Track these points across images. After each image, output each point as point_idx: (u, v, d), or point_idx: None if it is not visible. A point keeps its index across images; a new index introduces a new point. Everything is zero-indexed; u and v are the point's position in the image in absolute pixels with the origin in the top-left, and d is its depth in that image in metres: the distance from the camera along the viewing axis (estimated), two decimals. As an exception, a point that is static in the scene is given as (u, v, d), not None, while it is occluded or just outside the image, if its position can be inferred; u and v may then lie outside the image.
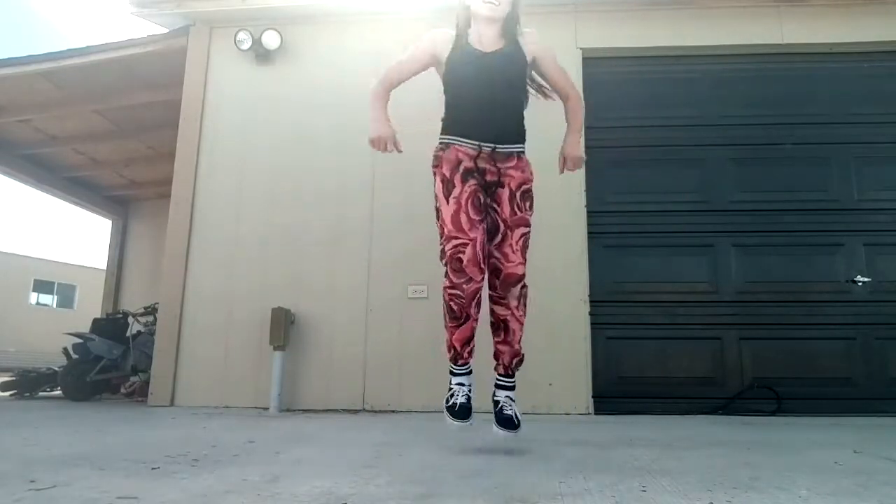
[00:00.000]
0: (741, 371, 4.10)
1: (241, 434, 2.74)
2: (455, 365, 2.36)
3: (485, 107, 2.26)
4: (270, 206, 4.48)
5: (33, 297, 20.32)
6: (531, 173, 2.35)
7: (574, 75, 4.43)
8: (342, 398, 4.09)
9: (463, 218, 2.21)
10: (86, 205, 8.93)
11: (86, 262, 21.19)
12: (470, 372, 2.38)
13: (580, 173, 4.31)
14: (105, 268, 9.56)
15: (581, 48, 4.52)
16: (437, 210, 2.29)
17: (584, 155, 2.49)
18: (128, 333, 5.56)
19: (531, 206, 2.34)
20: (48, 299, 20.75)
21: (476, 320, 2.32)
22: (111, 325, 5.72)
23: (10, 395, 5.74)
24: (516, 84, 2.34)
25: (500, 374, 2.38)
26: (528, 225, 2.31)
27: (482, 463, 2.02)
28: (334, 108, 4.56)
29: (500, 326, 2.34)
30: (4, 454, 2.17)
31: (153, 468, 1.84)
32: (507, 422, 2.25)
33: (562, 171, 2.52)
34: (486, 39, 2.34)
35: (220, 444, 2.38)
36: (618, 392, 4.09)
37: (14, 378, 5.96)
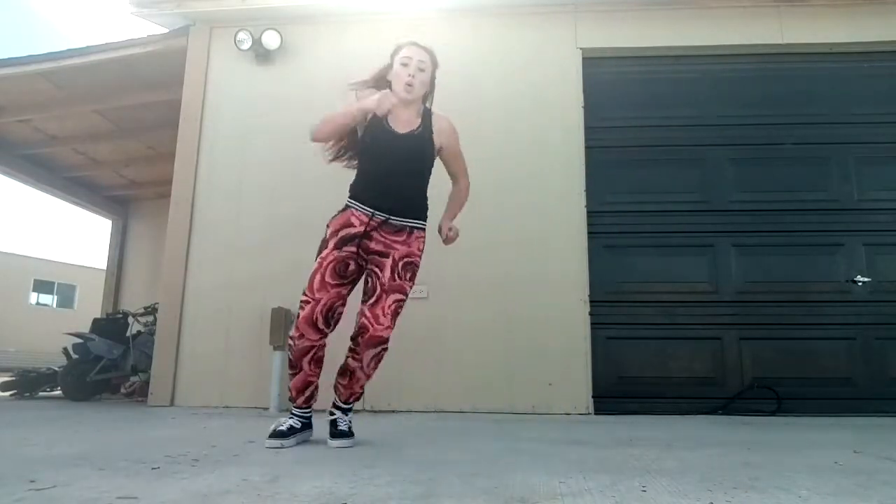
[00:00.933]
0: (741, 371, 4.10)
1: (241, 434, 2.74)
2: (293, 406, 2.52)
3: (386, 182, 2.43)
4: (270, 206, 4.48)
5: (33, 297, 20.33)
6: (419, 250, 2.49)
7: (574, 75, 4.47)
8: (342, 398, 4.09)
9: (317, 278, 2.38)
10: (86, 205, 8.93)
11: (86, 262, 21.21)
12: (304, 422, 2.50)
13: (580, 173, 4.32)
14: (105, 268, 9.56)
15: (581, 48, 4.53)
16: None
17: (455, 234, 2.62)
18: (128, 333, 5.56)
19: (412, 279, 2.47)
20: (48, 299, 20.76)
21: (311, 375, 2.46)
22: (111, 325, 5.72)
23: (10, 395, 5.74)
24: (420, 167, 2.52)
25: (340, 402, 2.54)
26: (403, 293, 2.44)
27: (482, 463, 2.02)
28: (334, 108, 4.56)
29: (346, 373, 2.47)
30: (4, 454, 2.17)
31: (153, 468, 1.84)
32: (342, 434, 2.43)
33: (444, 241, 2.64)
34: (400, 119, 2.50)
35: (220, 444, 2.38)
36: (618, 392, 4.09)
37: (14, 378, 5.96)
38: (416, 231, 2.48)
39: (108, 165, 7.98)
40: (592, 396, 4.01)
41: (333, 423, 2.48)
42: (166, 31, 4.89)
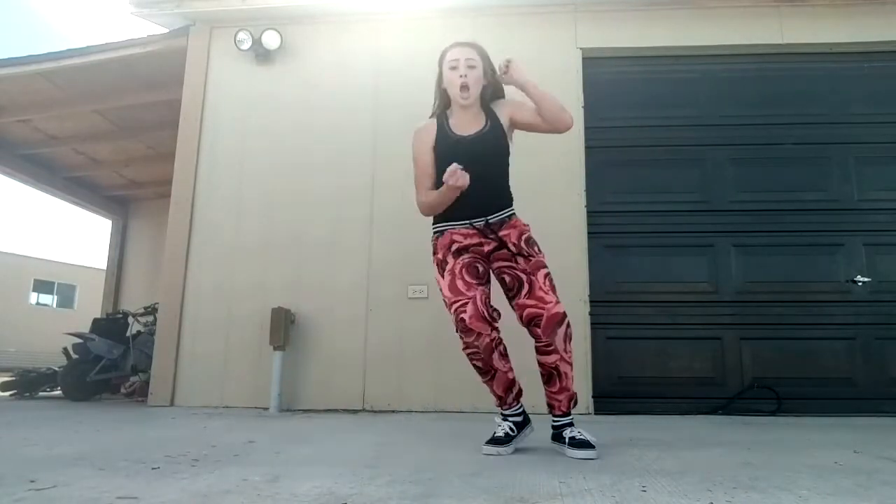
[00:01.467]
0: (741, 371, 4.10)
1: (241, 434, 2.74)
2: (502, 409, 2.46)
3: (473, 191, 2.29)
4: (270, 206, 4.48)
5: (33, 297, 20.32)
6: (525, 224, 2.46)
7: (574, 75, 4.47)
8: (342, 398, 4.09)
9: (459, 283, 2.30)
10: (86, 205, 8.93)
11: (86, 262, 21.21)
12: (520, 423, 2.43)
13: (580, 173, 4.32)
14: (105, 268, 9.56)
15: (581, 48, 4.53)
16: (441, 293, 2.39)
17: (516, 68, 2.46)
18: (128, 333, 5.56)
19: (539, 249, 2.41)
20: (48, 299, 20.76)
21: (507, 371, 2.40)
22: (111, 325, 5.72)
23: (10, 395, 5.74)
24: (498, 160, 2.45)
25: (557, 416, 2.39)
26: (544, 266, 2.36)
27: (482, 463, 2.02)
28: (334, 108, 4.57)
29: (552, 375, 2.36)
30: (4, 454, 2.17)
31: (153, 468, 1.85)
32: (584, 444, 2.22)
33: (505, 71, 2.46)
34: (464, 123, 2.44)
35: (220, 444, 2.38)
36: (618, 392, 4.09)
37: (14, 378, 5.96)
38: (513, 217, 2.45)
39: (108, 165, 7.98)
40: (592, 396, 4.01)
41: (572, 442, 2.25)
42: (166, 31, 4.89)
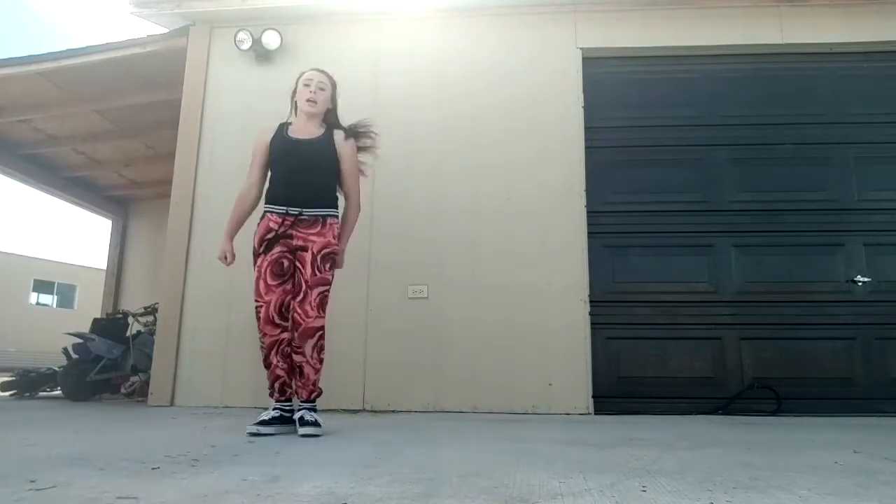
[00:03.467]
0: (741, 371, 4.10)
1: (241, 434, 2.74)
2: (274, 402, 2.84)
3: (293, 181, 2.80)
4: (270, 206, 4.47)
5: (33, 297, 20.32)
6: (335, 237, 2.83)
7: (574, 75, 4.47)
8: (342, 398, 4.09)
9: (261, 284, 2.76)
10: (86, 205, 8.93)
11: (86, 262, 21.21)
12: (285, 415, 2.79)
13: (580, 173, 4.32)
14: (105, 268, 9.56)
15: (581, 48, 4.53)
16: None
17: (342, 260, 2.98)
18: (128, 333, 5.56)
19: (331, 267, 2.82)
20: (48, 299, 20.75)
21: (278, 369, 2.79)
22: (111, 325, 5.72)
23: (10, 395, 5.74)
24: (324, 165, 2.88)
25: (301, 402, 2.81)
26: (326, 283, 2.78)
27: (482, 463, 2.02)
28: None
29: (297, 371, 2.78)
30: (4, 454, 2.17)
31: (153, 468, 1.85)
32: (310, 423, 2.67)
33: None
34: (301, 130, 2.92)
35: (220, 444, 2.38)
36: (618, 392, 4.09)
37: (14, 378, 5.95)
38: (329, 219, 2.81)
39: (108, 165, 7.98)
40: (592, 396, 4.01)
41: (300, 421, 2.71)
42: (166, 31, 4.88)
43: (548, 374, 4.02)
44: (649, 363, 4.14)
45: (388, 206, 4.36)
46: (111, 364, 5.32)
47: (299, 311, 2.69)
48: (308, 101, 2.87)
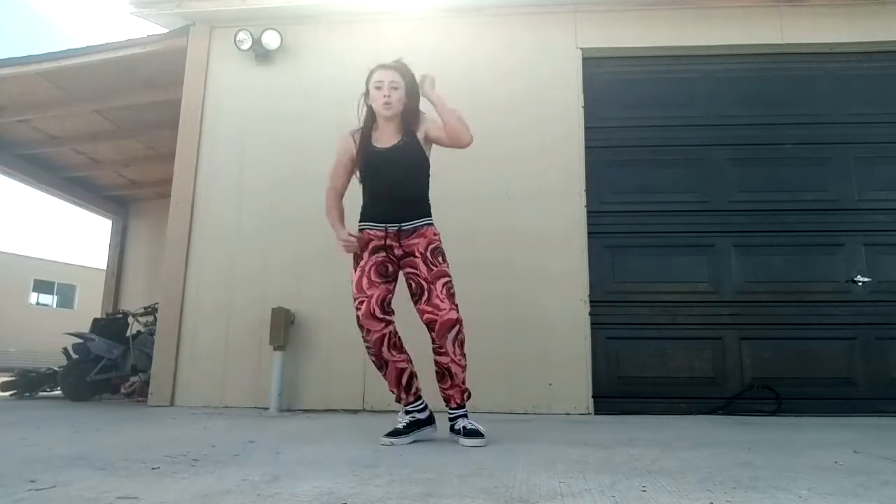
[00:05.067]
0: (741, 371, 4.10)
1: (241, 434, 2.74)
2: (404, 406, 2.66)
3: (388, 197, 2.66)
4: (270, 206, 4.48)
5: (33, 297, 20.34)
6: (434, 234, 2.67)
7: (574, 75, 4.47)
8: (342, 398, 4.09)
9: (364, 281, 2.57)
10: (86, 205, 8.93)
11: (86, 262, 21.22)
12: (420, 418, 2.65)
13: (580, 173, 4.32)
14: (105, 268, 9.56)
15: (581, 48, 4.53)
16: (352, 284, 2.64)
17: (431, 82, 2.76)
18: (128, 333, 5.56)
19: (444, 259, 2.62)
20: (48, 299, 20.77)
21: (398, 361, 2.60)
22: (111, 325, 5.72)
23: (10, 395, 5.74)
24: (415, 172, 2.70)
25: (452, 409, 2.63)
26: (446, 275, 2.59)
27: (482, 463, 2.02)
28: (335, 108, 4.55)
29: (444, 374, 2.58)
30: (4, 454, 2.17)
31: (153, 468, 1.84)
32: (474, 433, 2.50)
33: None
34: (384, 136, 2.71)
35: (220, 444, 2.38)
36: (618, 392, 4.09)
37: (14, 378, 5.95)
38: (425, 227, 2.65)
39: (108, 165, 7.98)
40: (592, 396, 4.01)
41: (463, 430, 2.54)
42: (166, 31, 4.88)
43: (548, 374, 4.02)
44: (649, 363, 4.14)
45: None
46: (111, 364, 5.32)
47: (429, 308, 2.50)
48: (385, 104, 2.65)
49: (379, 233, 2.63)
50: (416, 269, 2.57)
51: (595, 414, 3.96)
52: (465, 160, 4.38)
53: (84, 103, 6.06)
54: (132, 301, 7.82)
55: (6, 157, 7.17)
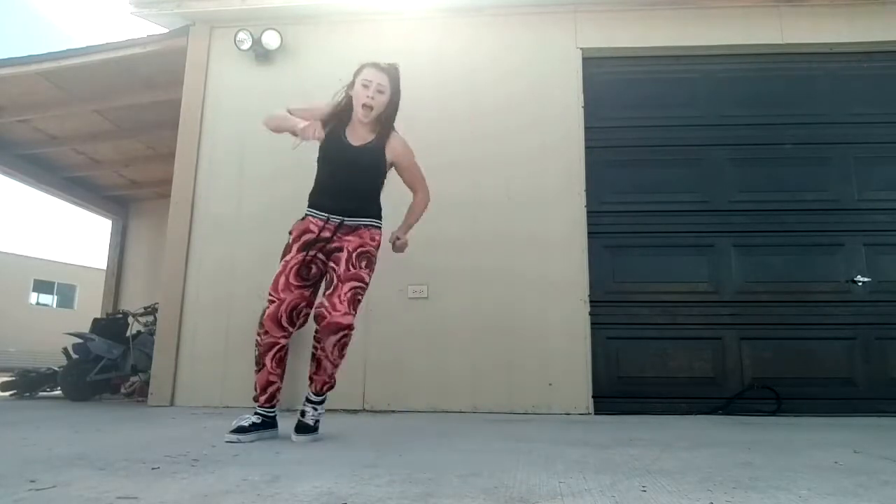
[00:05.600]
0: (741, 371, 4.10)
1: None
2: (257, 406, 2.63)
3: (341, 188, 2.66)
4: (270, 205, 4.47)
5: (33, 297, 20.34)
6: (372, 240, 2.67)
7: (574, 75, 4.47)
8: (342, 398, 4.08)
9: (281, 280, 2.57)
10: (86, 205, 8.93)
11: (86, 262, 21.22)
12: (267, 420, 2.61)
13: (580, 173, 4.32)
14: (105, 268, 9.56)
15: (581, 48, 4.53)
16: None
17: (407, 243, 2.82)
18: (128, 333, 5.56)
19: (367, 266, 2.63)
20: (48, 299, 20.77)
21: (272, 373, 2.60)
22: (111, 325, 5.72)
23: (10, 395, 5.74)
24: (371, 173, 2.72)
25: (311, 392, 2.66)
26: (361, 280, 2.58)
27: (482, 463, 2.02)
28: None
29: (318, 364, 2.61)
30: (4, 454, 2.17)
31: (153, 468, 1.84)
32: (306, 428, 2.58)
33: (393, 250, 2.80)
34: (356, 133, 2.71)
35: (220, 444, 2.38)
36: (618, 392, 4.09)
37: (14, 378, 5.95)
38: (369, 229, 2.67)
39: (108, 165, 7.98)
40: (592, 396, 4.01)
41: (301, 415, 2.62)
42: (166, 31, 4.88)
43: (548, 374, 4.02)
44: (649, 363, 4.14)
45: (388, 206, 4.35)
46: (111, 364, 5.32)
47: (326, 304, 2.47)
48: (364, 105, 2.64)
49: (319, 222, 2.63)
50: (338, 264, 2.56)
51: (595, 414, 3.96)
52: (465, 160, 4.41)
53: (84, 103, 6.06)
54: (132, 301, 7.81)
55: (6, 157, 7.17)
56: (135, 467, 1.85)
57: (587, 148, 4.38)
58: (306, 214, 2.69)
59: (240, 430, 2.50)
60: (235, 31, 4.58)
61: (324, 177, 2.73)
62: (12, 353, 16.57)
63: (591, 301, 4.15)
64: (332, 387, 2.68)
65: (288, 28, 4.63)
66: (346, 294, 2.50)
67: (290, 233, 2.69)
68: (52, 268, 20.77)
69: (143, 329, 5.55)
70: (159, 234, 5.96)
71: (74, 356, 5.52)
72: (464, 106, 4.48)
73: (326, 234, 2.61)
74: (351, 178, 2.66)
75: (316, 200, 2.70)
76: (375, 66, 2.70)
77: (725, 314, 4.19)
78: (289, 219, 4.41)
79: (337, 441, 2.60)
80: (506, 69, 4.51)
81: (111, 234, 9.56)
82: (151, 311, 5.50)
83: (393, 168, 2.82)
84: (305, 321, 2.63)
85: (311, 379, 2.65)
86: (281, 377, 2.64)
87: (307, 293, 2.62)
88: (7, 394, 5.78)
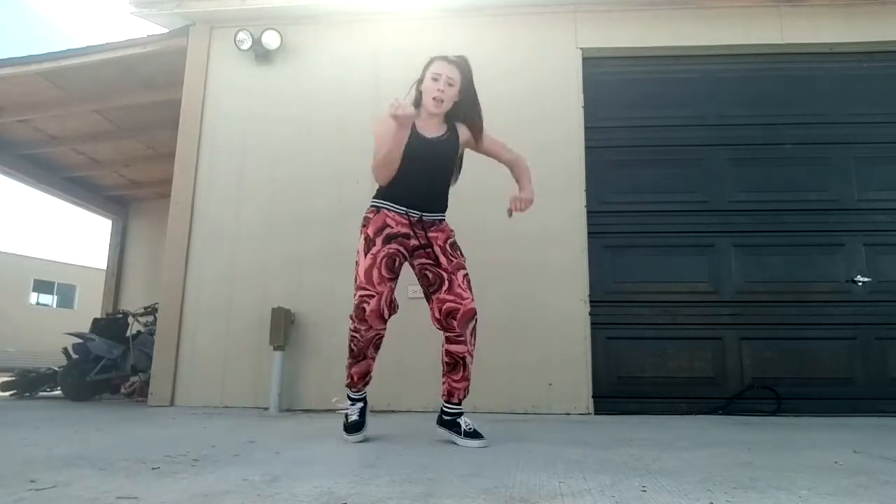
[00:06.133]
0: (741, 371, 4.10)
1: (241, 434, 2.74)
2: (351, 391, 2.71)
3: (421, 184, 2.61)
4: (270, 206, 4.48)
5: (33, 297, 20.33)
6: (451, 230, 2.70)
7: (574, 75, 4.47)
8: (342, 398, 4.08)
9: (375, 273, 2.52)
10: (86, 205, 8.93)
11: (86, 262, 21.22)
12: (363, 398, 2.73)
13: (580, 173, 4.32)
14: (105, 268, 9.56)
15: (581, 48, 4.52)
16: (356, 264, 2.59)
17: (533, 198, 2.72)
18: (128, 333, 5.56)
19: (461, 254, 2.65)
20: (48, 299, 20.77)
21: (372, 360, 2.69)
22: (111, 325, 5.72)
23: (10, 395, 5.74)
24: (448, 166, 2.70)
25: (452, 404, 2.61)
26: (464, 267, 2.62)
27: (482, 463, 2.02)
28: (335, 108, 4.57)
29: (457, 365, 2.57)
30: (4, 454, 2.17)
31: (153, 468, 1.85)
32: (476, 434, 2.52)
33: (510, 213, 2.71)
34: (429, 125, 2.67)
35: (220, 444, 2.38)
36: (618, 392, 4.09)
37: (14, 378, 5.96)
38: (443, 222, 2.69)
39: (108, 165, 7.98)
40: (592, 396, 4.01)
41: (466, 430, 2.53)
42: (166, 31, 4.88)
43: (548, 374, 4.02)
44: (649, 363, 4.14)
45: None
46: (111, 364, 5.32)
47: (450, 297, 2.50)
48: (435, 98, 2.60)
49: (399, 217, 2.58)
50: (433, 261, 2.57)
51: (595, 414, 3.96)
52: (465, 160, 4.39)
53: (84, 103, 6.06)
54: (132, 301, 7.82)
55: (6, 157, 7.17)
56: (135, 467, 1.85)
57: (587, 148, 4.38)
58: (380, 207, 2.60)
59: (356, 426, 2.59)
60: (235, 31, 4.58)
61: (405, 173, 2.61)
62: (12, 353, 16.56)
63: (591, 301, 4.15)
64: (468, 392, 2.65)
65: (288, 28, 4.63)
66: (464, 283, 2.55)
67: (365, 227, 2.61)
68: (52, 268, 20.77)
69: (143, 329, 5.55)
70: (159, 234, 5.96)
71: (74, 356, 5.53)
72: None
73: (404, 229, 2.57)
74: (431, 173, 2.63)
75: (393, 194, 2.60)
76: (444, 58, 2.66)
77: (725, 314, 4.19)
78: (289, 219, 4.46)
79: (337, 441, 2.60)
80: (506, 69, 4.50)
81: (111, 234, 9.57)
82: (151, 311, 5.50)
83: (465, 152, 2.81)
84: (396, 310, 2.65)
85: (452, 388, 2.59)
86: (376, 360, 2.71)
87: (394, 286, 2.61)
88: (7, 394, 5.78)
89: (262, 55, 4.63)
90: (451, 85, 2.63)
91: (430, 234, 2.60)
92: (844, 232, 4.25)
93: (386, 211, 2.58)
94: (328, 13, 4.69)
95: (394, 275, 2.59)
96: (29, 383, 5.88)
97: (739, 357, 4.13)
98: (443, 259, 2.56)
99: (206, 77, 4.70)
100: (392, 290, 2.58)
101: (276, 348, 4.06)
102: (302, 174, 4.50)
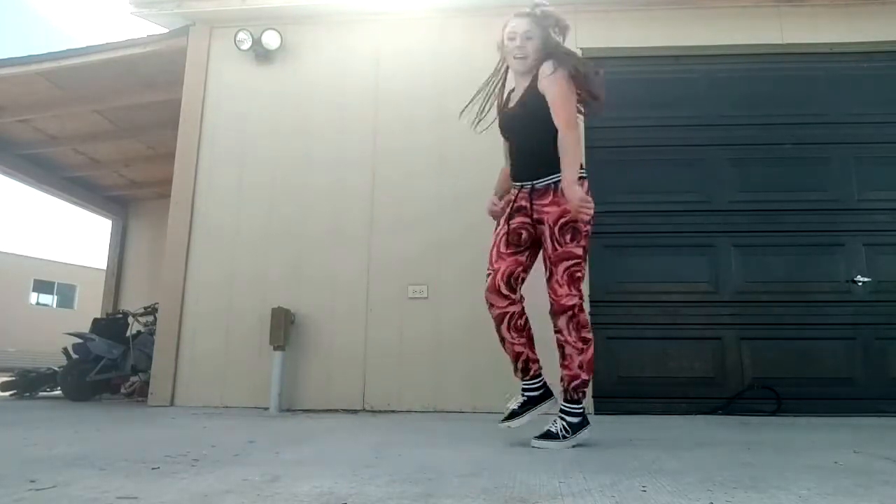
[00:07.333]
0: (741, 371, 4.10)
1: (241, 434, 2.74)
2: (522, 384, 2.57)
3: (518, 154, 2.62)
4: (270, 206, 4.48)
5: (33, 297, 20.35)
6: (566, 202, 2.35)
7: (574, 75, 4.46)
8: (342, 398, 4.09)
9: (494, 252, 2.55)
10: (86, 205, 8.94)
11: (86, 262, 21.22)
12: (533, 396, 2.53)
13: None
14: (105, 268, 9.56)
15: (581, 48, 4.51)
16: None
17: (579, 198, 2.27)
18: (128, 333, 5.56)
19: (574, 238, 2.41)
20: (48, 299, 20.78)
21: (515, 344, 2.51)
22: (111, 325, 5.72)
23: (10, 395, 5.74)
24: (538, 125, 2.49)
25: (561, 388, 2.51)
26: (572, 257, 2.42)
27: (482, 463, 2.02)
28: (335, 109, 4.57)
29: (561, 350, 2.49)
30: (4, 454, 2.17)
31: (153, 468, 1.84)
32: (547, 434, 2.41)
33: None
34: (519, 90, 2.62)
35: (220, 444, 2.38)
36: (618, 392, 4.09)
37: (14, 378, 5.96)
38: (555, 190, 2.44)
39: (108, 165, 7.98)
40: (592, 396, 4.01)
41: (554, 421, 2.46)
42: (166, 31, 4.89)
43: (547, 374, 4.00)
44: (649, 363, 4.14)
45: (388, 205, 4.37)
46: (111, 364, 5.32)
47: (549, 289, 2.46)
48: (516, 57, 2.53)
49: (515, 192, 2.59)
50: (544, 244, 2.47)
51: (595, 414, 3.95)
52: (465, 160, 4.40)
53: (84, 103, 6.06)
54: (132, 301, 7.81)
55: (6, 157, 7.17)
56: (135, 467, 1.85)
57: (587, 148, 4.35)
58: (513, 186, 2.65)
59: (511, 415, 2.50)
60: (235, 31, 4.58)
61: (507, 149, 2.73)
62: (12, 353, 16.57)
63: (591, 301, 4.14)
64: (582, 384, 2.45)
65: (288, 28, 4.63)
66: (562, 277, 2.42)
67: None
68: (52, 268, 20.79)
69: (143, 329, 5.55)
70: (159, 234, 5.97)
71: (74, 356, 5.53)
72: (463, 106, 4.47)
73: (522, 203, 2.53)
74: (521, 140, 2.58)
75: (511, 172, 2.67)
76: (516, 15, 2.57)
77: (725, 314, 4.19)
78: (289, 218, 4.46)
79: (337, 441, 2.60)
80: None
81: (111, 234, 9.57)
82: (151, 311, 5.50)
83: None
84: (522, 284, 2.57)
85: (561, 378, 2.50)
86: (527, 345, 2.52)
87: (522, 258, 2.54)
88: (7, 394, 5.79)
89: (262, 55, 4.63)
90: (529, 38, 2.52)
91: (544, 209, 2.45)
92: (844, 232, 4.25)
93: (513, 190, 2.62)
94: (328, 13, 4.69)
95: (516, 249, 2.53)
96: (29, 383, 5.88)
97: (739, 357, 4.13)
98: (548, 245, 2.44)
99: (206, 77, 4.70)
100: (515, 265, 2.51)
101: (276, 348, 4.06)
102: (302, 174, 4.50)
